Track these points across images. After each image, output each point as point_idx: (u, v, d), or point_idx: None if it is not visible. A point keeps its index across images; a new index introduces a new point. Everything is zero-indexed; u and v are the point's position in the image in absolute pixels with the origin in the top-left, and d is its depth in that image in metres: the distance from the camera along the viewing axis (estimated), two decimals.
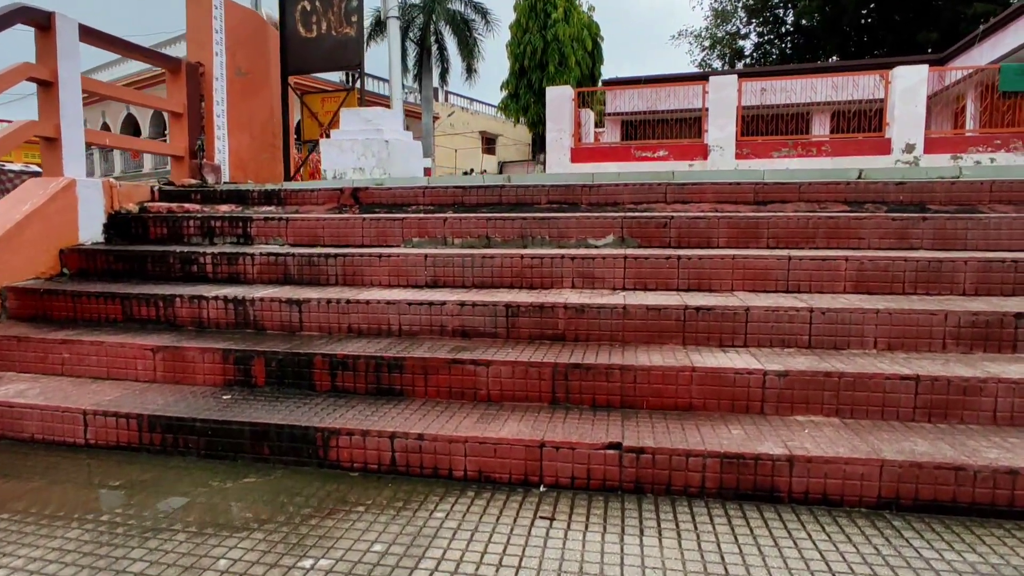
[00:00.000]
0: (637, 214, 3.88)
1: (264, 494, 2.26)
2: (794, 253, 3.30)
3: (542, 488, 2.26)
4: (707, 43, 32.00)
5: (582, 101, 12.97)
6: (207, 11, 5.78)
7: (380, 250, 3.83)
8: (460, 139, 39.10)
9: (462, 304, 3.13)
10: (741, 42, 31.81)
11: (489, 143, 41.75)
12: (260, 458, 2.52)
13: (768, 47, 31.40)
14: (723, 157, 10.58)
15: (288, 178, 6.91)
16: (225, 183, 5.83)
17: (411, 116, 34.94)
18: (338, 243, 4.20)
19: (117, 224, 4.63)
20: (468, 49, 29.27)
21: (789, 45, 31.02)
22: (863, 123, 11.38)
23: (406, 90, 34.24)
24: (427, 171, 29.46)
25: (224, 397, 2.86)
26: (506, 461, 2.29)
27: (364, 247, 4.12)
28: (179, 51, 16.39)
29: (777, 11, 30.64)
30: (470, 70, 29.88)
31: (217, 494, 2.28)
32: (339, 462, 2.44)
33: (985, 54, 13.27)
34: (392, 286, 3.67)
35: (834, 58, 28.98)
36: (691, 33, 32.20)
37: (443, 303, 3.15)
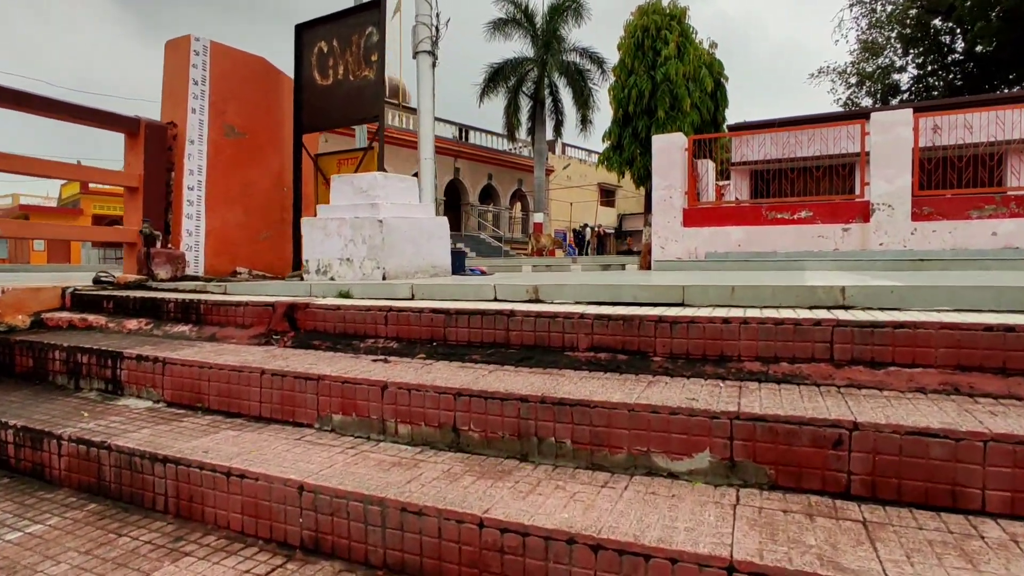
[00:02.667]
0: (763, 409, 1.75)
1: None
2: None
3: None
4: (853, 80, 28.20)
5: (701, 150, 10.74)
6: (183, 58, 4.54)
7: (258, 448, 2.03)
8: (576, 192, 37.68)
9: None
10: (896, 76, 27.67)
11: (607, 195, 39.83)
12: None
13: (931, 80, 26.97)
14: (892, 219, 7.82)
15: (297, 263, 5.47)
16: (187, 276, 4.42)
17: (524, 170, 34.20)
18: (227, 409, 2.48)
19: None
20: (583, 100, 28.02)
21: (959, 75, 26.42)
22: None
23: (519, 143, 33.54)
24: (537, 227, 28.09)
25: None
26: None
27: (260, 420, 2.36)
28: None
29: (941, 38, 26.33)
30: (585, 121, 28.57)
31: None
32: None
33: None
34: (247, 535, 1.84)
35: (1020, 87, 24.07)
36: (833, 70, 28.49)
37: None
